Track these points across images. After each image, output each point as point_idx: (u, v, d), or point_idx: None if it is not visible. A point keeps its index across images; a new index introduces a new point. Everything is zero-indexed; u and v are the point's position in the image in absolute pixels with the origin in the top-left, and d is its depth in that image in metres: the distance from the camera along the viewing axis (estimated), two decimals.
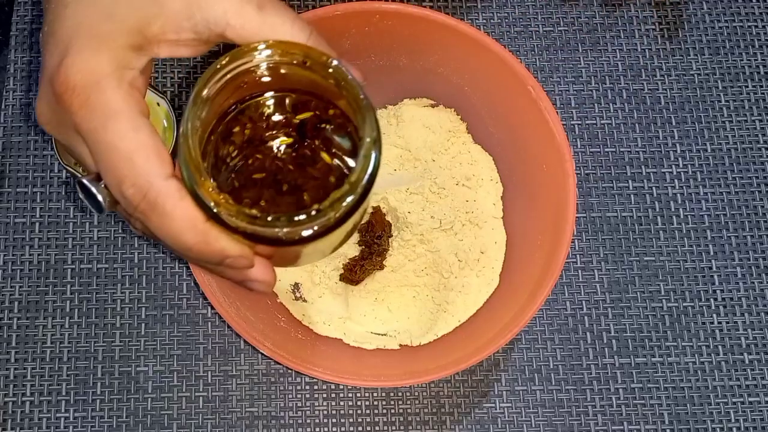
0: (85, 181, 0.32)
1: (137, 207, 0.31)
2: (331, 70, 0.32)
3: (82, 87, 0.30)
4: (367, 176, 0.31)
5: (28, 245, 0.53)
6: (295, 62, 0.32)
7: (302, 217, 0.31)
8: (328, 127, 0.34)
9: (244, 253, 0.33)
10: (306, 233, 0.32)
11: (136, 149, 0.31)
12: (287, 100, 0.34)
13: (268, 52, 0.32)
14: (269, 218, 0.31)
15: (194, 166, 0.31)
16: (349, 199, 0.31)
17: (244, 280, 0.35)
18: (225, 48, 0.33)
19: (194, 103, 0.31)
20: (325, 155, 0.34)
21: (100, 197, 0.32)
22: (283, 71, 0.33)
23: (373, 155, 0.31)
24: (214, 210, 0.31)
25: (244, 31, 0.32)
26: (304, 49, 0.32)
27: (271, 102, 0.34)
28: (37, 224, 0.54)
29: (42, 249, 0.53)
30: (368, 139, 0.31)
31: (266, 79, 0.33)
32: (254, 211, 0.31)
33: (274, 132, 0.34)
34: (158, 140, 0.31)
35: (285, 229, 0.31)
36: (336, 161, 0.34)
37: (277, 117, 0.34)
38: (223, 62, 0.32)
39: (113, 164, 0.31)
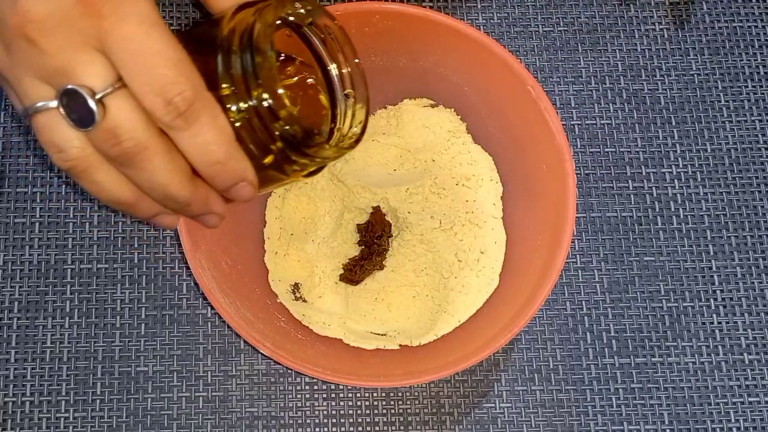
0: (79, 89, 0.31)
1: (182, 114, 0.31)
2: (337, 34, 0.38)
3: None
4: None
5: (28, 245, 0.53)
6: (310, 21, 0.38)
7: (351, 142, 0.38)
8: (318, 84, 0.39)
9: (255, 181, 0.35)
10: (323, 161, 0.37)
11: (183, 58, 0.31)
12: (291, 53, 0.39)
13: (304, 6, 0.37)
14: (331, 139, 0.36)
15: (274, 77, 0.33)
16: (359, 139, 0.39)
17: (208, 213, 0.36)
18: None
19: (270, 24, 0.34)
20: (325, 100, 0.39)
21: (95, 107, 0.31)
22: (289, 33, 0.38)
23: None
24: (280, 119, 0.33)
25: None
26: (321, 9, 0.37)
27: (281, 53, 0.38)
28: (37, 224, 0.54)
29: (42, 249, 0.53)
30: (364, 93, 0.39)
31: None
32: (323, 131, 0.36)
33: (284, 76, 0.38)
34: None
35: (326, 154, 0.36)
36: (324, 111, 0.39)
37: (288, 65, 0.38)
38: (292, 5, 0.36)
39: (160, 71, 0.31)
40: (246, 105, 0.33)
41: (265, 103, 0.33)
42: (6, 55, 0.32)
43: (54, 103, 0.32)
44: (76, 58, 0.31)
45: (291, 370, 0.51)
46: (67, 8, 0.30)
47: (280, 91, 0.33)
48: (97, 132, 0.32)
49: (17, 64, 0.32)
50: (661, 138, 0.57)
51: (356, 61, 0.39)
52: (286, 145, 0.34)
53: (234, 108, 0.33)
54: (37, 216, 0.54)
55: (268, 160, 0.35)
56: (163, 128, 0.32)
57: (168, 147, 0.33)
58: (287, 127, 0.34)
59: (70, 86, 0.31)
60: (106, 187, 0.34)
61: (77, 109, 0.31)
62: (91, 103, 0.31)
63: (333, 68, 0.39)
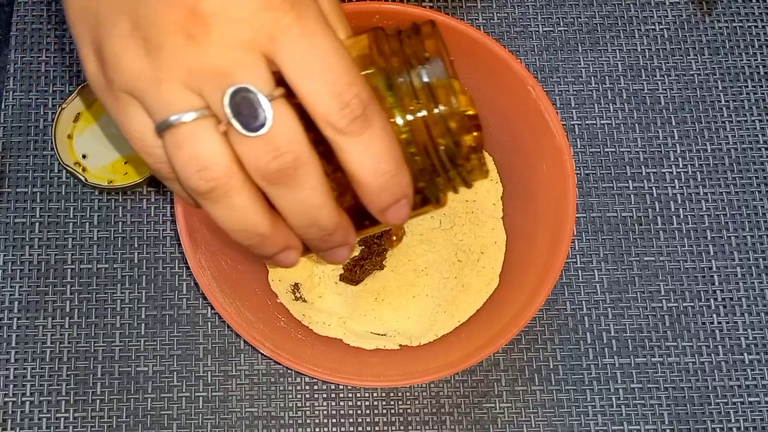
0: (253, 89, 0.28)
1: (357, 117, 0.28)
2: None
3: None
4: None
5: (28, 245, 0.53)
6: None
7: None
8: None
9: (413, 200, 0.32)
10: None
11: (353, 61, 0.29)
12: None
13: None
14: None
15: (452, 87, 0.31)
16: None
17: (345, 244, 0.33)
18: None
19: (441, 41, 0.32)
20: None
21: (270, 109, 0.28)
22: None
23: None
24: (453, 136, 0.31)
25: None
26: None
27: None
28: (37, 224, 0.54)
29: (42, 249, 0.53)
30: None
31: None
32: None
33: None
34: None
35: (477, 177, 0.34)
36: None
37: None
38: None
39: (338, 71, 0.28)
40: (413, 117, 0.31)
41: (436, 112, 0.31)
42: (146, 59, 0.28)
43: (193, 115, 0.28)
44: (240, 58, 0.28)
45: (291, 370, 0.51)
46: (244, 1, 0.28)
47: (454, 101, 0.31)
48: (255, 143, 0.28)
49: (162, 67, 0.28)
50: (661, 138, 0.57)
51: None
52: (450, 162, 0.32)
53: (400, 121, 0.31)
54: (37, 216, 0.54)
55: (421, 183, 0.33)
56: (333, 136, 0.29)
57: (321, 164, 0.29)
58: (456, 140, 0.31)
59: (241, 85, 0.28)
60: (244, 213, 0.29)
61: (244, 111, 0.28)
62: (266, 105, 0.28)
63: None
